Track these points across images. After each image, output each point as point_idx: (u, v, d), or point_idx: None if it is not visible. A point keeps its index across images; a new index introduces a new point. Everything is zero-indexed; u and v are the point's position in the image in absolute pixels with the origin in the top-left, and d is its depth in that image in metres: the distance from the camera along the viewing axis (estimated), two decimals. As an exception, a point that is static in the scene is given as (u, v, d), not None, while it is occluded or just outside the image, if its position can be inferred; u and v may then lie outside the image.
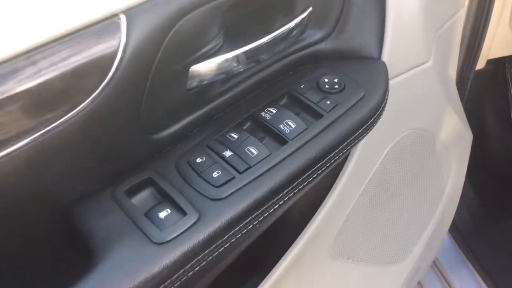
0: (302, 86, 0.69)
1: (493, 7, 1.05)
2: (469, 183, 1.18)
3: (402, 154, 0.87)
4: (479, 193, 1.53)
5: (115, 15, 0.50)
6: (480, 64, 1.21)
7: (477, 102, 1.44)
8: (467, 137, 1.08)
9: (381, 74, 0.72)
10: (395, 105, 0.75)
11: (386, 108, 0.71)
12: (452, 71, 1.02)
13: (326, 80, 0.69)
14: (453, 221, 1.21)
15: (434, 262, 1.44)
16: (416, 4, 0.75)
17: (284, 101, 0.68)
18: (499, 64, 1.42)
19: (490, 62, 1.28)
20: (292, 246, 0.80)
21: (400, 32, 0.74)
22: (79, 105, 0.49)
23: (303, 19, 0.66)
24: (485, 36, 1.11)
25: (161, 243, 0.53)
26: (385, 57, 0.73)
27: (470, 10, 1.03)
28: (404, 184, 0.92)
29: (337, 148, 0.64)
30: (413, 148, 0.89)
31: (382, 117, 0.70)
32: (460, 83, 1.12)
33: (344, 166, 0.80)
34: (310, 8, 0.67)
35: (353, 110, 0.66)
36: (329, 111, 0.65)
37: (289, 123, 0.64)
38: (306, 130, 0.63)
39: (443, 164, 1.00)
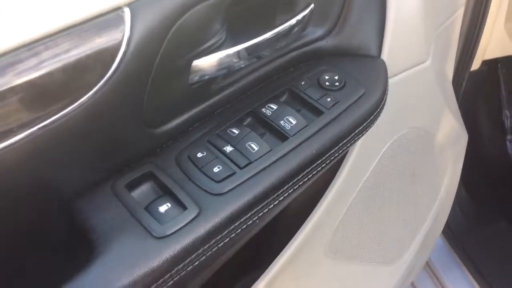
0: (303, 83, 0.69)
1: (489, 8, 1.06)
2: (461, 183, 1.18)
3: (399, 152, 0.88)
4: (471, 193, 1.54)
5: (119, 8, 0.49)
6: (475, 65, 1.21)
7: (470, 103, 1.44)
8: (463, 137, 1.09)
9: (381, 72, 0.72)
10: (393, 104, 0.76)
11: (385, 107, 0.71)
12: (449, 71, 1.03)
13: (327, 77, 0.69)
14: (446, 221, 1.21)
15: (427, 262, 1.45)
16: (416, 2, 0.75)
17: (285, 97, 0.68)
18: (492, 65, 1.43)
19: (483, 63, 1.29)
20: (290, 243, 0.80)
21: (400, 30, 0.74)
22: (81, 98, 0.48)
23: (304, 16, 0.66)
24: (481, 37, 1.11)
25: (161, 237, 0.53)
26: (384, 55, 0.74)
27: (466, 11, 1.04)
28: (401, 183, 0.93)
29: (337, 145, 0.64)
30: (410, 147, 0.90)
31: (381, 115, 0.71)
32: (455, 83, 1.13)
33: (342, 164, 0.80)
34: (312, 5, 0.67)
35: (353, 108, 0.67)
36: (330, 108, 0.66)
37: (290, 119, 0.64)
38: (306, 127, 0.63)
39: (439, 163, 1.01)
